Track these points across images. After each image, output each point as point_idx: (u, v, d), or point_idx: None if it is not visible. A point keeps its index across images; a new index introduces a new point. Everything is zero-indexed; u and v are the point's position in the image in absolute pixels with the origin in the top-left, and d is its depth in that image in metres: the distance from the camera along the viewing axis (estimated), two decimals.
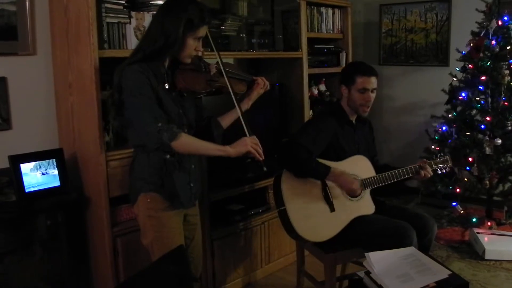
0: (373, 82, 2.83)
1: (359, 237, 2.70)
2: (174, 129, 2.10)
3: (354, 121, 2.95)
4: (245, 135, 2.20)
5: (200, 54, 2.31)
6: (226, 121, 2.51)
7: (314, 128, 2.82)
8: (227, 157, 2.17)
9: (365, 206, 2.82)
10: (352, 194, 2.76)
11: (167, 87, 2.20)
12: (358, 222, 2.74)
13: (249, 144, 2.15)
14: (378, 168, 2.91)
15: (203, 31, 2.20)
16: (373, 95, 2.85)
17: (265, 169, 2.19)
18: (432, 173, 2.87)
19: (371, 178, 2.81)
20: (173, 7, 2.16)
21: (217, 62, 2.33)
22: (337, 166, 2.75)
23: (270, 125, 3.81)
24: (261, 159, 2.17)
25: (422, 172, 2.82)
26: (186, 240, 2.41)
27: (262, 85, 2.54)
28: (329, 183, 2.74)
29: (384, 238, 2.55)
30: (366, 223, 2.73)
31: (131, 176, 2.31)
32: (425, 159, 2.92)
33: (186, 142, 2.13)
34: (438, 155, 2.99)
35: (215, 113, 2.56)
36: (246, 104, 2.52)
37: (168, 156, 2.21)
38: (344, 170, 2.73)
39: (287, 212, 2.70)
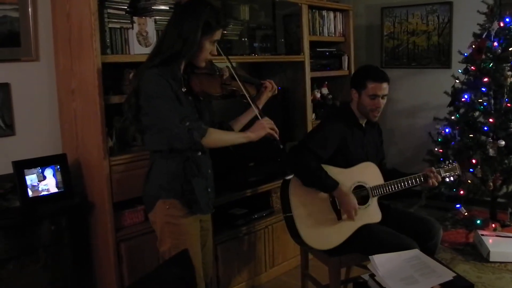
0: (384, 88, 2.78)
1: (363, 247, 2.67)
2: (202, 126, 2.15)
3: (364, 125, 2.91)
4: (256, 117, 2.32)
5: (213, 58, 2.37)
6: (238, 125, 2.53)
7: (323, 132, 2.80)
8: (249, 142, 2.28)
9: (372, 214, 2.79)
10: (348, 217, 2.71)
11: (184, 90, 2.21)
12: (364, 231, 2.71)
13: (266, 126, 2.28)
14: (386, 172, 2.89)
15: (218, 34, 2.24)
16: (383, 101, 2.80)
17: (281, 146, 2.32)
18: (440, 180, 2.84)
19: (378, 186, 2.79)
20: (191, 11, 2.18)
21: (228, 67, 2.38)
22: (345, 173, 2.73)
23: None
24: (278, 138, 2.29)
25: (430, 181, 2.80)
26: None
27: (270, 88, 2.56)
28: None
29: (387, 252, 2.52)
30: (371, 234, 2.69)
31: (147, 182, 2.29)
32: (432, 168, 2.89)
33: (215, 137, 2.21)
34: (447, 162, 2.97)
35: (225, 117, 2.58)
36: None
37: (199, 154, 2.26)
38: (351, 192, 2.70)
39: (293, 219, 2.69)
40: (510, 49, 4.13)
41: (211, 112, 2.45)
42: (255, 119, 2.40)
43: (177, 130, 2.10)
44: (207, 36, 2.18)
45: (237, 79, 2.34)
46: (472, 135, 4.23)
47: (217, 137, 2.23)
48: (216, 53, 2.30)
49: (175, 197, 2.22)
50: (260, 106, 2.54)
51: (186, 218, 2.25)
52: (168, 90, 2.12)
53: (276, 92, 2.62)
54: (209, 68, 2.34)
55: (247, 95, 2.34)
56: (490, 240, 3.84)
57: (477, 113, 4.32)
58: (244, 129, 2.44)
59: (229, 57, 2.42)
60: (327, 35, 4.44)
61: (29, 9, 2.83)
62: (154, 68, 2.14)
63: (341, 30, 4.61)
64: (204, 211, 2.33)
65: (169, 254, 2.26)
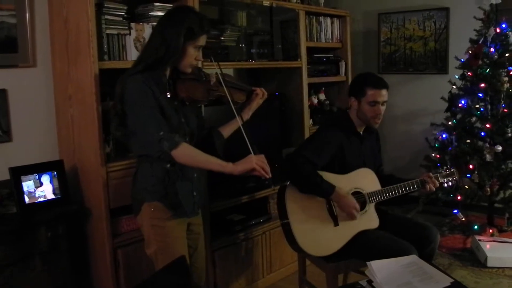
0: (383, 95, 2.77)
1: (361, 253, 2.67)
2: (175, 138, 2.11)
3: (361, 132, 2.91)
4: (249, 150, 2.17)
5: (199, 63, 2.34)
6: (227, 130, 2.53)
7: (319, 139, 2.79)
8: (229, 174, 2.13)
9: (370, 220, 2.79)
10: (350, 218, 2.72)
11: (168, 96, 2.22)
12: (361, 238, 2.71)
13: (254, 161, 2.10)
14: (383, 179, 2.88)
15: (202, 40, 2.24)
16: (383, 108, 2.79)
17: (272, 187, 2.17)
18: (438, 186, 2.84)
19: (376, 192, 2.79)
20: (174, 17, 2.21)
21: (216, 73, 2.37)
22: (342, 179, 2.73)
23: (270, 134, 3.81)
24: (267, 177, 2.12)
25: (428, 186, 2.80)
26: (189, 249, 2.40)
27: (261, 95, 2.57)
28: None
29: (386, 257, 2.52)
30: (369, 239, 2.69)
31: (134, 186, 2.31)
32: (430, 173, 2.89)
33: (187, 153, 2.13)
34: (445, 168, 2.97)
35: (216, 123, 2.57)
36: (247, 114, 2.54)
37: (168, 166, 2.22)
38: (349, 193, 2.70)
39: (290, 226, 2.68)
40: (506, 54, 4.16)
41: (201, 118, 2.46)
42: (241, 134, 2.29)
43: (150, 138, 2.10)
44: (191, 41, 2.19)
45: (223, 85, 2.32)
46: (469, 141, 4.24)
47: (188, 154, 2.13)
48: (201, 59, 2.30)
49: (159, 199, 2.23)
50: (250, 112, 2.55)
51: (171, 220, 2.26)
52: (149, 97, 2.13)
53: (266, 97, 2.61)
54: (195, 73, 2.34)
55: (230, 100, 2.30)
56: (488, 246, 3.84)
57: (474, 119, 4.33)
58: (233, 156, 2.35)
59: (227, 63, 2.42)
60: (324, 41, 4.45)
61: (27, 15, 2.83)
62: (138, 74, 2.15)
63: (338, 36, 4.63)
64: (189, 214, 2.34)
65: (155, 256, 2.28)
